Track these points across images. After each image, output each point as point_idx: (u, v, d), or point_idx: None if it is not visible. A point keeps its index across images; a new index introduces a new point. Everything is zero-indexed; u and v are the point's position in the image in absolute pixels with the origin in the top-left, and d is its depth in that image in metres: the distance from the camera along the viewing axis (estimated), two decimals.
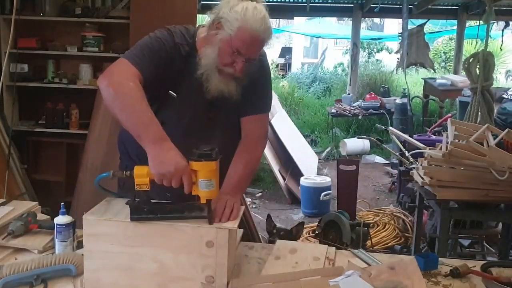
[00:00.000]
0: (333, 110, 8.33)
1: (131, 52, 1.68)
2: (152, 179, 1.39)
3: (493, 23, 6.87)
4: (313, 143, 8.06)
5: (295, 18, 10.61)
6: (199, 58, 1.62)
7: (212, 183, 1.39)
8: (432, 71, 8.62)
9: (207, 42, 1.62)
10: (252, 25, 1.53)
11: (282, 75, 14.00)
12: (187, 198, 1.41)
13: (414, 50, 7.92)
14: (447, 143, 2.58)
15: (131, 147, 1.79)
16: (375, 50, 14.58)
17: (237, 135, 1.78)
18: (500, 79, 13.13)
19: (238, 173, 1.68)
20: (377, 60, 14.33)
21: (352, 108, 8.28)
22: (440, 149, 2.66)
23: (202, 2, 7.76)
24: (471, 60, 3.26)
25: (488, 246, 3.47)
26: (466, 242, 3.53)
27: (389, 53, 14.07)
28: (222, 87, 1.62)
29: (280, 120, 6.49)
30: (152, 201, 1.43)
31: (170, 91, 1.66)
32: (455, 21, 9.25)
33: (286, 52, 15.77)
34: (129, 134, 1.51)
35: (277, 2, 8.80)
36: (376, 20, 16.16)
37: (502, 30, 6.26)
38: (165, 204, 1.44)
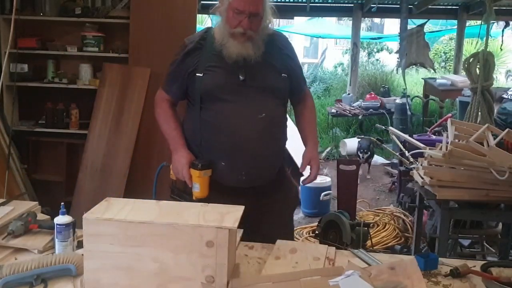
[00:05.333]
0: (333, 110, 8.32)
1: (164, 81, 2.13)
2: None
3: (493, 23, 6.86)
4: None
5: (295, 18, 10.60)
6: (216, 39, 1.91)
7: (197, 186, 1.92)
8: (432, 71, 8.61)
9: (218, 25, 1.94)
10: None
11: None
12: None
13: (414, 50, 7.91)
14: (447, 143, 2.58)
15: (191, 140, 2.07)
16: (375, 50, 14.56)
17: (278, 100, 2.01)
18: (500, 79, 13.11)
19: (304, 129, 2.16)
20: (377, 60, 14.31)
21: (352, 108, 8.27)
22: (440, 149, 2.66)
23: (202, 2, 7.76)
24: (471, 60, 3.25)
25: (488, 246, 3.47)
26: (466, 242, 3.53)
27: (389, 53, 14.05)
28: (239, 49, 1.87)
29: None
30: None
31: (196, 74, 1.94)
32: (455, 21, 9.25)
33: None
34: (188, 130, 2.05)
35: (277, 2, 8.80)
36: (376, 20, 16.15)
37: (502, 30, 6.25)
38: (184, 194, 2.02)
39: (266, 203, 2.04)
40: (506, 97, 4.84)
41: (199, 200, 1.86)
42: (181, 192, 2.02)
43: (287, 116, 2.16)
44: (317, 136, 2.23)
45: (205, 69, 1.93)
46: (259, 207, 1.99)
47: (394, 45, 12.00)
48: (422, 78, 8.79)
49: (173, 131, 2.03)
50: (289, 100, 2.14)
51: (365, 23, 14.99)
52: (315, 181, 5.51)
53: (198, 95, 1.95)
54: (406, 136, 3.61)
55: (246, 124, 1.91)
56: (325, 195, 4.86)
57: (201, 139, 1.98)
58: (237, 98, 1.92)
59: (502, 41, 5.97)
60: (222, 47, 1.89)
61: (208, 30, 2.02)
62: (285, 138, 2.11)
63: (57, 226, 1.57)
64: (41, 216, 1.82)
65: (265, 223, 2.00)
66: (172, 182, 2.08)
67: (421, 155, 2.89)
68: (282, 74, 1.99)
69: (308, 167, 2.11)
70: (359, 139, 6.29)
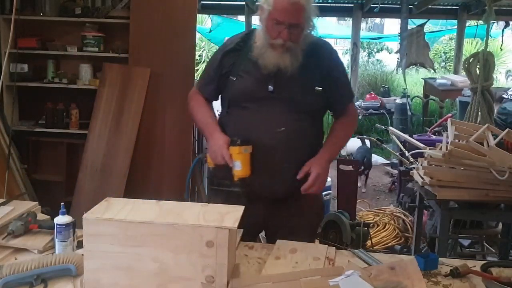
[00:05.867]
0: None
1: (198, 81, 2.13)
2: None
3: (493, 23, 6.87)
4: None
5: None
6: (254, 42, 1.88)
7: (238, 163, 1.83)
8: (432, 71, 8.62)
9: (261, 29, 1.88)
10: None
11: None
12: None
13: (414, 50, 7.91)
14: (447, 143, 2.58)
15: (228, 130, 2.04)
16: (375, 50, 14.56)
17: (306, 114, 1.92)
18: (500, 79, 13.13)
19: (327, 140, 2.01)
20: (377, 60, 14.31)
21: None
22: (440, 149, 2.66)
23: (202, 2, 7.77)
24: (471, 60, 3.25)
25: (488, 246, 3.47)
26: (466, 242, 3.53)
27: (389, 53, 14.05)
28: (276, 60, 1.82)
29: None
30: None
31: (230, 77, 1.93)
32: (455, 21, 9.25)
33: None
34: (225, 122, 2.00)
35: None
36: (376, 20, 16.15)
37: (502, 30, 6.25)
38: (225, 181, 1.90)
39: (281, 215, 1.98)
40: (506, 97, 4.84)
41: (242, 180, 1.83)
42: (221, 180, 1.91)
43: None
44: (336, 152, 2.07)
45: (238, 73, 1.91)
46: (274, 218, 1.97)
47: (394, 45, 12.00)
48: (422, 78, 8.80)
49: (208, 118, 1.99)
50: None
51: (365, 22, 15.00)
52: None
53: (227, 99, 1.95)
54: (406, 136, 3.61)
55: (263, 136, 1.87)
56: (325, 195, 4.86)
57: None
58: (261, 108, 1.88)
59: (502, 41, 5.97)
60: (259, 56, 1.85)
61: (250, 32, 1.97)
62: (313, 152, 1.96)
63: (57, 226, 1.56)
64: (41, 216, 1.82)
65: (280, 234, 1.89)
66: (209, 173, 2.00)
67: (421, 155, 2.89)
68: (316, 88, 1.89)
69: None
70: (360, 142, 6.22)
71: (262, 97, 1.88)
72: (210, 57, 2.07)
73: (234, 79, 1.91)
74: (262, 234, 2.21)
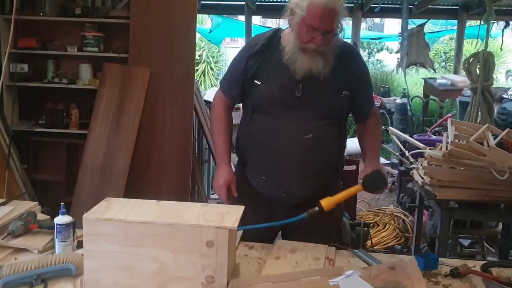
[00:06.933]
0: None
1: (223, 82, 2.04)
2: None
3: (493, 23, 6.86)
4: None
5: None
6: (283, 46, 1.82)
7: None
8: (432, 71, 8.62)
9: (290, 31, 1.82)
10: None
11: None
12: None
13: (414, 50, 7.92)
14: (447, 143, 2.58)
15: (240, 148, 2.02)
16: (375, 50, 14.57)
17: (332, 119, 1.87)
18: (500, 79, 13.13)
19: (365, 144, 2.00)
20: (377, 60, 14.32)
21: None
22: (440, 149, 2.66)
23: (202, 2, 7.76)
24: (471, 60, 3.26)
25: (488, 246, 3.47)
26: (466, 242, 3.53)
27: (389, 53, 14.06)
28: (309, 64, 1.77)
29: None
30: None
31: (255, 81, 1.86)
32: (455, 21, 9.26)
33: None
34: (239, 138, 1.99)
35: (277, 2, 8.80)
36: (376, 20, 16.16)
37: (502, 30, 6.25)
38: None
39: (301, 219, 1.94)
40: (506, 97, 4.85)
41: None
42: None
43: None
44: (379, 153, 2.04)
45: (263, 77, 1.84)
46: (296, 222, 1.92)
47: (394, 45, 12.01)
48: (422, 78, 8.80)
49: (221, 145, 1.97)
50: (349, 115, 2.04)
51: (365, 22, 15.00)
52: None
53: (251, 104, 1.88)
54: (406, 136, 3.61)
55: (290, 144, 1.82)
56: None
57: (248, 150, 1.92)
58: (287, 115, 1.82)
59: (502, 41, 5.96)
60: (290, 62, 1.79)
61: (275, 32, 1.91)
62: (339, 155, 1.97)
63: (57, 226, 1.57)
64: (41, 216, 1.82)
65: (296, 236, 1.88)
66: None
67: (421, 155, 2.90)
68: (343, 92, 1.85)
69: None
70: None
71: (288, 103, 1.82)
72: (234, 57, 1.96)
73: (259, 83, 1.84)
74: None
